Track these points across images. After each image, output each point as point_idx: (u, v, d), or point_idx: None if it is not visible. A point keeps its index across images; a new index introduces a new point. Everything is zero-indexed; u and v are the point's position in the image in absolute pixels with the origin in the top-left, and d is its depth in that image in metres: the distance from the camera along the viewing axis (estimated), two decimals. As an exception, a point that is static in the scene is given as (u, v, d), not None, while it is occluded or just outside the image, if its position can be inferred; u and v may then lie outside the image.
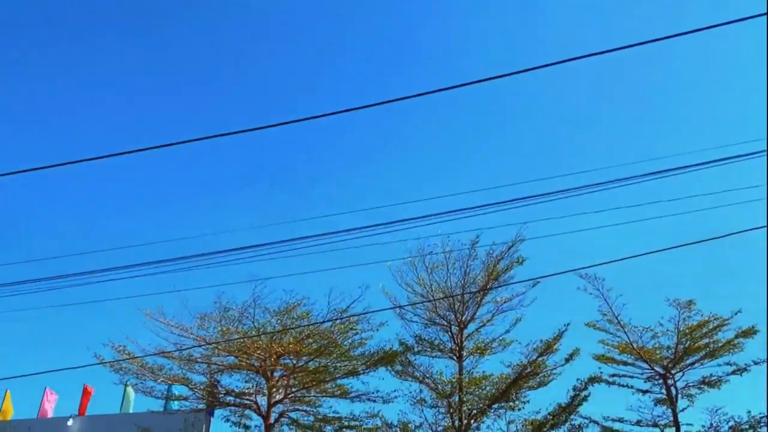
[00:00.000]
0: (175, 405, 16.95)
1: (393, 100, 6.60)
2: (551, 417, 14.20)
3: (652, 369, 13.99)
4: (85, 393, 19.28)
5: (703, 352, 13.55)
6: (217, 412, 16.62)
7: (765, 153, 9.46)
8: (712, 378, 13.61)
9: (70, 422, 18.56)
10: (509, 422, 15.65)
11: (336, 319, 15.30)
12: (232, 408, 15.90)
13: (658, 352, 13.89)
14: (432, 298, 14.91)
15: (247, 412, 15.75)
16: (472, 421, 14.72)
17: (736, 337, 13.40)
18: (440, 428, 15.20)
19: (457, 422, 14.54)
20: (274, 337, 15.27)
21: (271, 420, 15.32)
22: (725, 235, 10.38)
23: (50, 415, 19.71)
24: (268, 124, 6.48)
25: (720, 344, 13.52)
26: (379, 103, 6.62)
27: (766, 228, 10.47)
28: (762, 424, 12.69)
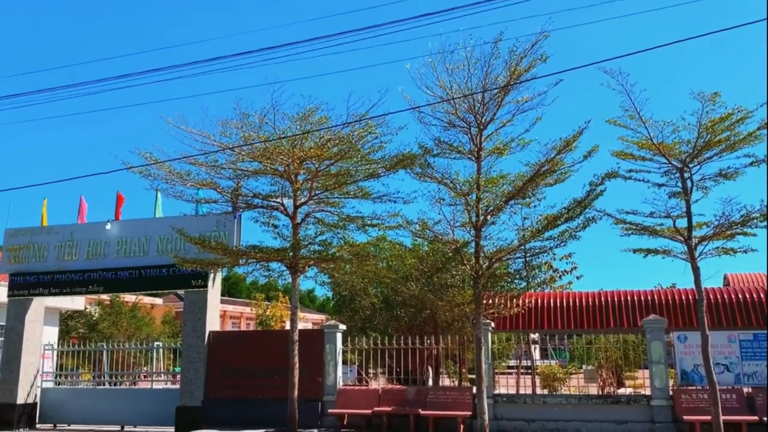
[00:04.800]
0: (205, 208, 17.82)
1: None
2: (566, 211, 14.59)
3: (670, 163, 13.99)
4: (119, 200, 20.11)
5: (723, 146, 13.44)
6: (246, 213, 17.50)
7: None
8: (729, 170, 13.64)
9: (108, 226, 19.61)
10: (524, 218, 16.27)
11: (354, 123, 15.37)
12: (260, 210, 16.69)
13: (677, 146, 13.79)
14: (452, 98, 14.67)
15: (274, 213, 16.55)
16: (489, 216, 15.23)
17: (759, 128, 13.19)
18: (458, 224, 15.85)
19: (474, 218, 15.08)
20: (296, 142, 15.50)
21: (298, 220, 16.14)
22: (748, 24, 9.88)
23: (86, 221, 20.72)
24: None
25: (741, 137, 13.35)
26: None
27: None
28: None
